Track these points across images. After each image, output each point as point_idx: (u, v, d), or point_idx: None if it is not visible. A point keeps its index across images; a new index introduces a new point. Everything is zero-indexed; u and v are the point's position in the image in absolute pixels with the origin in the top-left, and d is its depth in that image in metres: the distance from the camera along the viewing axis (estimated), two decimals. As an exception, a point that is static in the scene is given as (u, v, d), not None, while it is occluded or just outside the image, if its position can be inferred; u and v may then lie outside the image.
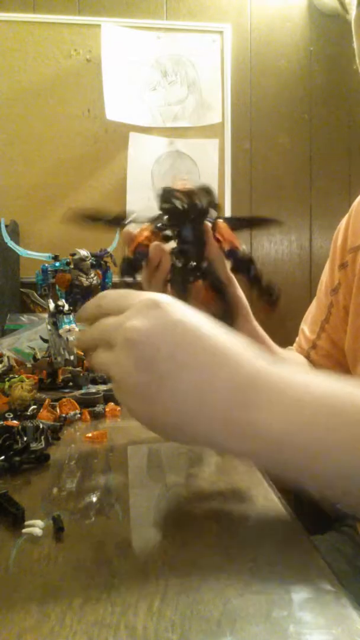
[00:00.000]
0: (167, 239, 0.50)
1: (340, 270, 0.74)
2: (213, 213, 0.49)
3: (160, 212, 0.49)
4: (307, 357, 0.79)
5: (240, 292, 0.56)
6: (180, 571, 0.30)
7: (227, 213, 1.95)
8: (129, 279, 0.50)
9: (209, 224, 0.49)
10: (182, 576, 0.29)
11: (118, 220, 0.51)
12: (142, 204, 1.89)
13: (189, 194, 0.47)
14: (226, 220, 0.51)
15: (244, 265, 0.50)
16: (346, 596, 0.27)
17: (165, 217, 0.48)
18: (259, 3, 1.95)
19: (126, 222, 0.50)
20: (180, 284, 0.48)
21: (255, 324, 0.60)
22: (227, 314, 0.50)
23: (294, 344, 0.84)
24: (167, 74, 1.91)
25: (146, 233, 0.50)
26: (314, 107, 2.01)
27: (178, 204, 0.47)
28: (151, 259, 0.50)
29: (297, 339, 0.84)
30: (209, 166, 1.94)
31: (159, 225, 0.49)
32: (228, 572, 0.30)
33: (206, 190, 0.48)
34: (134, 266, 0.50)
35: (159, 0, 1.90)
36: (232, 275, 0.55)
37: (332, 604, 0.27)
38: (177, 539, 0.34)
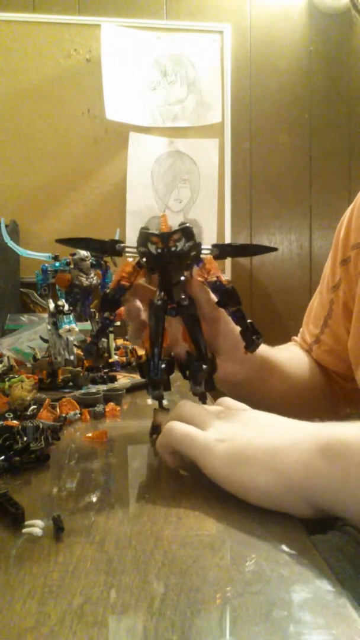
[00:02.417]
0: (150, 272, 0.51)
1: (341, 266, 0.73)
2: (195, 253, 0.49)
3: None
4: (310, 350, 0.79)
5: (231, 327, 0.55)
6: (180, 571, 0.30)
7: (227, 213, 1.96)
8: (107, 314, 0.51)
9: (191, 262, 0.50)
10: (182, 576, 0.29)
11: (112, 246, 0.51)
12: (142, 203, 1.89)
13: (164, 237, 0.47)
14: (218, 247, 0.51)
15: (227, 300, 0.51)
16: (346, 596, 0.27)
17: (143, 258, 0.49)
18: (259, 3, 1.96)
19: (119, 247, 0.51)
20: (155, 321, 0.49)
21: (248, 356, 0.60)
22: (200, 353, 0.50)
23: (299, 335, 0.84)
24: (167, 74, 1.91)
25: (128, 269, 0.51)
26: (314, 107, 2.01)
27: (152, 248, 0.48)
28: (134, 296, 0.52)
29: (300, 330, 0.84)
30: (209, 166, 1.94)
31: (139, 262, 0.50)
32: (228, 572, 0.30)
33: (186, 232, 0.48)
34: (113, 301, 0.51)
35: (159, 0, 1.91)
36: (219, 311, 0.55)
37: (332, 604, 0.26)
38: (177, 538, 0.34)
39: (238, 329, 0.52)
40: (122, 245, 0.51)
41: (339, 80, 2.01)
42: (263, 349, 0.63)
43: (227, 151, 1.95)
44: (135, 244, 0.50)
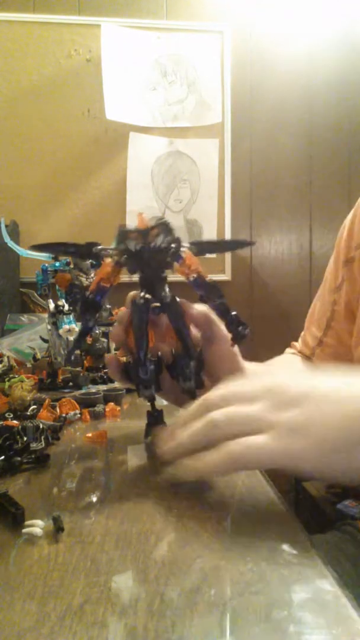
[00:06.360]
0: (130, 271, 0.50)
1: (344, 266, 0.73)
2: (175, 246, 0.49)
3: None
4: (312, 355, 0.79)
5: (217, 328, 0.53)
6: (180, 571, 0.30)
7: (227, 214, 1.96)
8: (89, 317, 0.50)
9: (171, 259, 0.50)
10: (182, 576, 0.29)
11: (88, 249, 0.51)
12: (142, 204, 1.89)
13: (143, 233, 0.47)
14: (197, 244, 0.51)
15: (210, 294, 0.50)
16: (346, 596, 0.27)
17: (123, 256, 0.49)
18: (259, 3, 1.95)
19: (96, 249, 0.50)
20: (138, 319, 0.49)
21: (236, 358, 0.56)
22: (187, 348, 0.50)
23: (299, 340, 0.84)
24: (167, 74, 1.91)
25: (107, 269, 0.50)
26: (314, 107, 2.01)
27: (131, 245, 0.48)
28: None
29: (301, 334, 0.84)
30: (209, 166, 1.94)
31: (119, 261, 0.50)
32: (228, 572, 0.30)
33: (164, 227, 0.48)
34: (94, 304, 0.50)
35: (159, 0, 1.90)
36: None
37: (332, 604, 0.26)
38: (177, 538, 0.34)
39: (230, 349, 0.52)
40: (99, 247, 0.51)
41: (339, 80, 2.01)
42: (256, 369, 0.62)
43: (227, 151, 1.95)
44: (112, 247, 0.50)
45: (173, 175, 1.93)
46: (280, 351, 0.86)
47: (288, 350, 0.85)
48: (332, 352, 0.76)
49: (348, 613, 0.26)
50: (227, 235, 1.96)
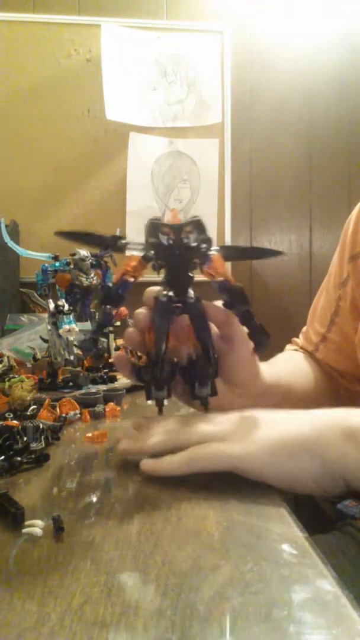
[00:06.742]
0: (155, 267, 0.49)
1: (350, 262, 0.73)
2: (206, 246, 0.47)
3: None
4: (316, 350, 0.78)
5: (238, 329, 0.52)
6: (180, 571, 0.29)
7: (227, 213, 1.96)
8: (109, 309, 0.49)
9: (199, 259, 0.48)
10: (182, 576, 0.29)
11: (113, 242, 0.49)
12: (142, 204, 1.89)
13: (176, 228, 0.46)
14: (225, 249, 0.49)
15: (235, 300, 0.49)
16: (346, 596, 0.27)
17: (152, 250, 0.47)
18: (259, 3, 1.95)
19: (120, 243, 0.49)
20: (160, 318, 0.47)
21: (255, 363, 0.56)
22: (207, 353, 0.48)
23: (300, 336, 0.83)
24: (167, 74, 1.91)
25: (133, 263, 0.48)
26: (314, 107, 2.01)
27: (164, 239, 0.46)
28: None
29: (303, 330, 0.83)
30: (209, 166, 1.94)
31: (146, 255, 0.48)
32: (228, 572, 0.30)
33: (197, 225, 0.46)
34: (117, 296, 0.48)
35: (159, 0, 1.90)
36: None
37: (332, 604, 0.26)
38: (177, 538, 0.34)
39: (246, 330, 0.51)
40: (124, 241, 0.49)
41: (339, 80, 2.01)
42: (266, 370, 0.60)
43: (227, 151, 1.95)
44: (137, 241, 0.48)
45: (173, 175, 1.93)
46: (281, 351, 0.86)
47: (289, 346, 0.85)
48: (336, 348, 0.75)
49: (348, 613, 0.26)
50: (227, 236, 1.96)
